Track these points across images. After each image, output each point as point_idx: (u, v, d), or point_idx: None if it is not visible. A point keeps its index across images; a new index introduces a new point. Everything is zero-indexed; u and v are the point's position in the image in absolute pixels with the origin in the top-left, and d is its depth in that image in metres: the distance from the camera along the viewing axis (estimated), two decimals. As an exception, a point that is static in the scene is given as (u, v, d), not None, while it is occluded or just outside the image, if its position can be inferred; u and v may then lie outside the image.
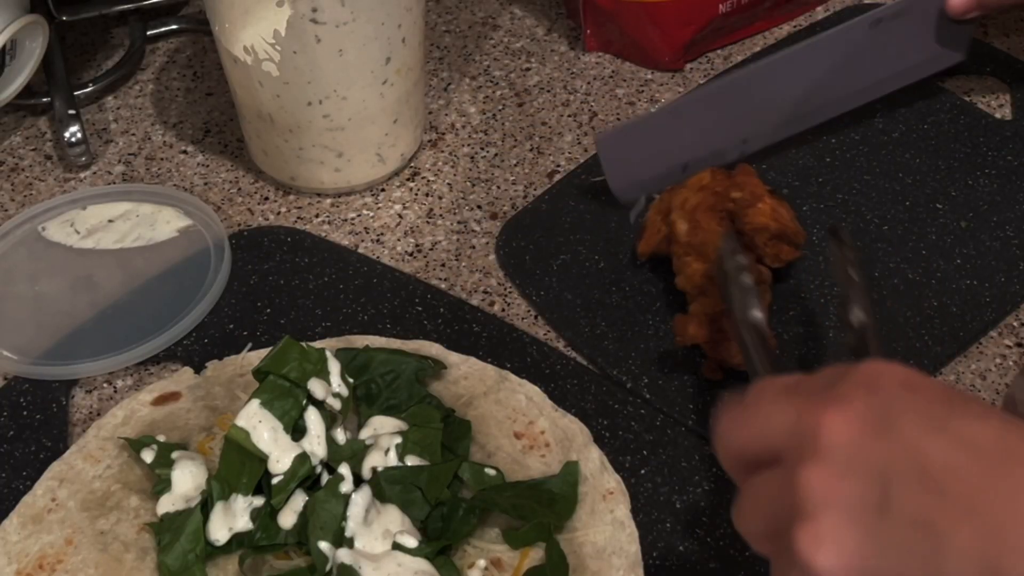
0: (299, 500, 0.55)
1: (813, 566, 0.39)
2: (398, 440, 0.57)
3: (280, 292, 0.69)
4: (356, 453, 0.57)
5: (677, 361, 0.64)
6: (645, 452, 0.60)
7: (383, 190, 0.76)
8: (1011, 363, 0.64)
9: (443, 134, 0.79)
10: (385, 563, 0.52)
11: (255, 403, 0.56)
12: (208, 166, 0.78)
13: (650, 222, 0.67)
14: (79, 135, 0.77)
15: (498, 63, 0.84)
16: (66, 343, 0.67)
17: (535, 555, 0.55)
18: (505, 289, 0.69)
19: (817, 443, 0.40)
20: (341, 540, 0.53)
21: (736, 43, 0.85)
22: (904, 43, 0.73)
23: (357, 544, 0.53)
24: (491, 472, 0.57)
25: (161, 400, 0.62)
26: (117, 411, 0.62)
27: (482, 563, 0.54)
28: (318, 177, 0.74)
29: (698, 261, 0.63)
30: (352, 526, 0.53)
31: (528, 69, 0.84)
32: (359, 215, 0.74)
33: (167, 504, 0.56)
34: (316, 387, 0.56)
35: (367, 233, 0.73)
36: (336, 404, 0.57)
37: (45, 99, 0.81)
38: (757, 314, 0.56)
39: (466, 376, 0.62)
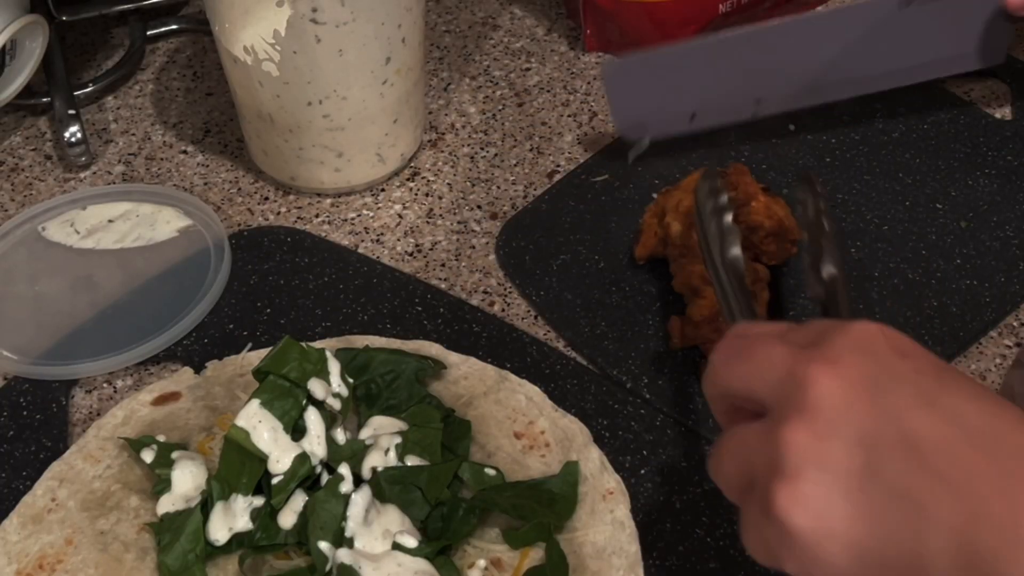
0: (299, 500, 0.55)
1: (788, 524, 0.39)
2: (398, 440, 0.57)
3: (280, 292, 0.69)
4: (356, 453, 0.57)
5: (677, 361, 0.64)
6: (645, 452, 0.60)
7: (383, 190, 0.76)
8: (1011, 363, 0.64)
9: (443, 134, 0.79)
10: (385, 563, 0.52)
11: (255, 403, 0.56)
12: (208, 166, 0.78)
13: (646, 225, 0.67)
14: (79, 135, 0.77)
15: (498, 63, 0.84)
16: (66, 343, 0.67)
17: (535, 555, 0.55)
18: (505, 289, 0.69)
19: (805, 400, 0.40)
20: (341, 540, 0.53)
21: (736, 43, 0.85)
22: (937, 33, 0.71)
23: (357, 544, 0.53)
24: (491, 472, 0.57)
25: (161, 400, 0.62)
26: (117, 411, 0.62)
27: (482, 563, 0.54)
28: (318, 177, 0.74)
29: (693, 263, 0.63)
30: (352, 526, 0.53)
31: (528, 69, 0.84)
32: (359, 215, 0.74)
33: (167, 504, 0.56)
34: (316, 387, 0.56)
35: (367, 233, 0.73)
36: (336, 404, 0.57)
37: (45, 99, 0.81)
38: (736, 252, 0.53)
39: (466, 376, 0.62)
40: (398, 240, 0.73)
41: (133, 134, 0.81)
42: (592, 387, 0.63)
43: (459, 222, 0.73)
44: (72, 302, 0.69)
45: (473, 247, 0.72)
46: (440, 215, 0.74)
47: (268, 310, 0.68)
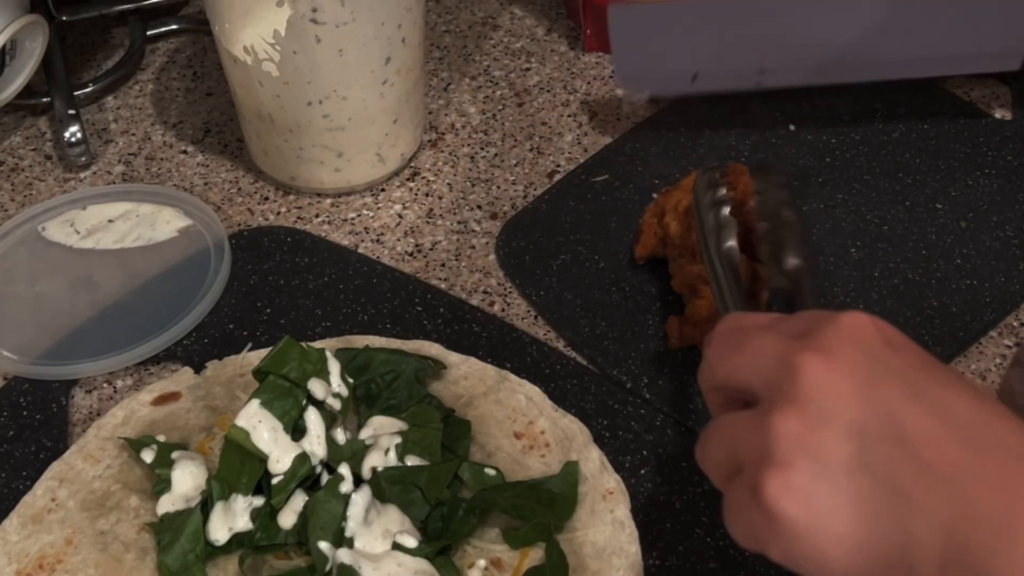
0: (299, 500, 0.55)
1: (778, 512, 0.39)
2: (398, 440, 0.57)
3: (280, 292, 0.69)
4: (356, 453, 0.57)
5: (677, 361, 0.64)
6: (645, 452, 0.60)
7: (383, 190, 0.76)
8: (1009, 362, 0.64)
9: (443, 134, 0.79)
10: (385, 563, 0.52)
11: (255, 403, 0.56)
12: (208, 166, 0.78)
13: (646, 225, 0.67)
14: (79, 135, 0.77)
15: (498, 63, 0.84)
16: (66, 343, 0.67)
17: (535, 555, 0.55)
18: (505, 289, 0.69)
19: (796, 389, 0.40)
20: (341, 540, 0.53)
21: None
22: (955, 28, 0.69)
23: (357, 544, 0.53)
24: (491, 472, 0.57)
25: (161, 400, 0.62)
26: (117, 411, 0.62)
27: (482, 563, 0.54)
28: (318, 177, 0.74)
29: (692, 263, 0.63)
30: (352, 526, 0.53)
31: (528, 69, 0.84)
32: (359, 215, 0.74)
33: (167, 504, 0.56)
34: (316, 387, 0.56)
35: (367, 233, 0.73)
36: (336, 404, 0.57)
37: (45, 99, 0.81)
38: (732, 243, 0.54)
39: (466, 376, 0.62)
40: (398, 240, 0.73)
41: (133, 134, 0.81)
42: (592, 387, 0.63)
43: (459, 222, 0.73)
44: (72, 302, 0.69)
45: (473, 247, 0.72)
46: (440, 215, 0.74)
47: (268, 310, 0.68)
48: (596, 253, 0.70)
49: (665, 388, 0.63)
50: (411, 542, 0.53)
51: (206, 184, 0.77)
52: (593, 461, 0.58)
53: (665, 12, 0.71)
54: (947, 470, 0.38)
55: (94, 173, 0.78)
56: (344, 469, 0.55)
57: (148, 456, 0.58)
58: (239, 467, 0.56)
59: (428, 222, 0.74)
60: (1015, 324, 0.66)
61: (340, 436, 0.57)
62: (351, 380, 0.59)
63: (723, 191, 0.57)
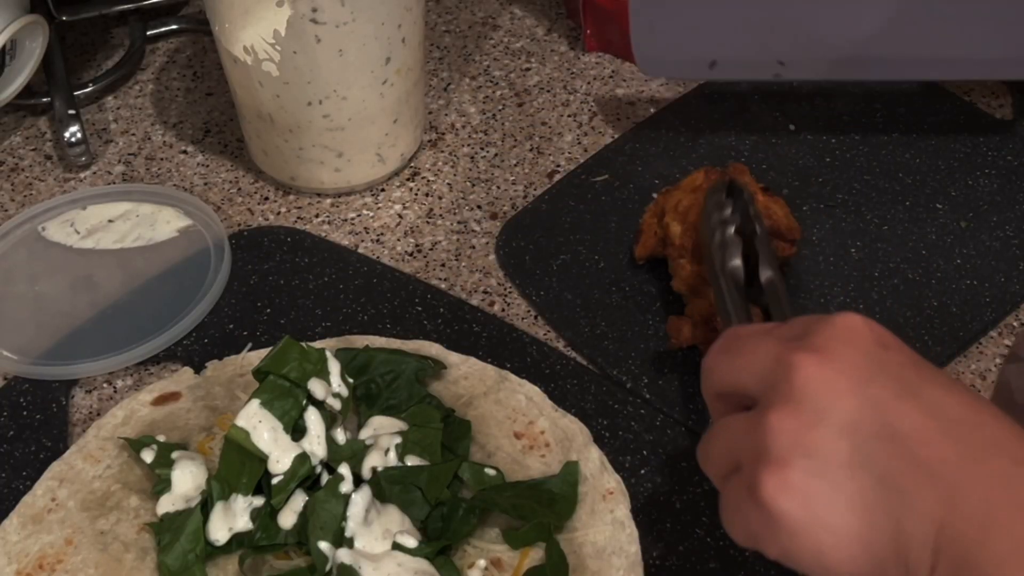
0: (299, 500, 0.55)
1: (775, 510, 0.40)
2: (398, 440, 0.57)
3: (280, 292, 0.69)
4: (356, 453, 0.57)
5: (677, 361, 0.64)
6: (645, 452, 0.60)
7: (383, 190, 0.76)
8: (1005, 358, 0.64)
9: (443, 134, 0.79)
10: (385, 563, 0.52)
11: (255, 403, 0.56)
12: (208, 166, 0.78)
13: (646, 225, 0.67)
14: (79, 135, 0.77)
15: (498, 63, 0.84)
16: (66, 343, 0.67)
17: (535, 555, 0.55)
18: (505, 289, 0.69)
19: (791, 388, 0.41)
20: (341, 540, 0.53)
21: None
22: (979, 32, 0.68)
23: (357, 544, 0.53)
24: (491, 472, 0.57)
25: (161, 400, 0.62)
26: (117, 411, 0.62)
27: (482, 563, 0.54)
28: (318, 177, 0.74)
29: (692, 263, 0.63)
30: (352, 526, 0.53)
31: (528, 69, 0.84)
32: (359, 215, 0.74)
33: (167, 504, 0.56)
34: (316, 387, 0.56)
35: (367, 233, 0.73)
36: (336, 404, 0.57)
37: (45, 99, 0.81)
38: (736, 262, 0.56)
39: (466, 376, 0.62)
40: (398, 240, 0.73)
41: (133, 134, 0.81)
42: (592, 387, 0.63)
43: (459, 222, 0.73)
44: (72, 302, 0.69)
45: (473, 247, 0.72)
46: (440, 215, 0.74)
47: (268, 310, 0.68)
48: (596, 253, 0.70)
49: (665, 388, 0.63)
50: (411, 542, 0.53)
51: (206, 184, 0.77)
52: (593, 461, 0.58)
53: None
54: (938, 466, 0.39)
55: (94, 173, 0.78)
56: (344, 469, 0.55)
57: (148, 456, 0.58)
58: (239, 467, 0.56)
59: (428, 222, 0.74)
60: (1015, 324, 0.66)
61: (340, 436, 0.57)
62: (351, 380, 0.59)
63: (728, 211, 0.59)
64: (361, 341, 0.64)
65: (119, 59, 0.85)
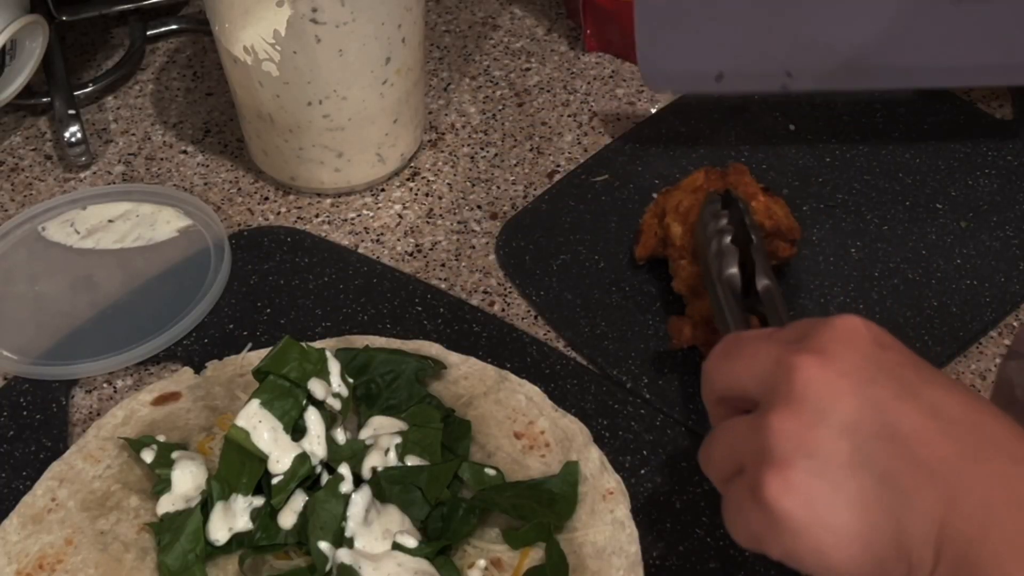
0: (299, 500, 0.55)
1: (778, 511, 0.40)
2: (398, 440, 0.57)
3: (280, 292, 0.69)
4: (356, 453, 0.57)
5: (677, 361, 0.64)
6: (645, 452, 0.60)
7: (383, 190, 0.76)
8: (1005, 354, 0.64)
9: (443, 134, 0.79)
10: (385, 563, 0.52)
11: (255, 403, 0.56)
12: (208, 166, 0.78)
13: (646, 225, 0.67)
14: (79, 135, 0.77)
15: (498, 63, 0.84)
16: (66, 343, 0.67)
17: (535, 555, 0.55)
18: (505, 289, 0.69)
19: (792, 390, 0.41)
20: (341, 540, 0.53)
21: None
22: (987, 38, 0.68)
23: (357, 544, 0.53)
24: (491, 472, 0.57)
25: (161, 400, 0.62)
26: (117, 411, 0.62)
27: (482, 563, 0.54)
28: (318, 177, 0.74)
29: (692, 264, 0.63)
30: (352, 526, 0.53)
31: (528, 69, 0.84)
32: (359, 215, 0.74)
33: (167, 504, 0.56)
34: (316, 387, 0.56)
35: (367, 233, 0.73)
36: (336, 404, 0.57)
37: (45, 99, 0.81)
38: (733, 270, 0.57)
39: (466, 376, 0.62)
40: (398, 240, 0.73)
41: (133, 134, 0.81)
42: (592, 387, 0.63)
43: (459, 222, 0.73)
44: (72, 302, 0.69)
45: (473, 247, 0.72)
46: (440, 215, 0.74)
47: (268, 310, 0.68)
48: (596, 253, 0.70)
49: (665, 388, 0.63)
50: (411, 542, 0.53)
51: (206, 184, 0.77)
52: (593, 461, 0.58)
53: (692, 5, 0.70)
54: (938, 466, 0.39)
55: (94, 173, 0.78)
56: (344, 469, 0.55)
57: (148, 456, 0.58)
58: (239, 467, 0.56)
59: (428, 222, 0.74)
60: (1015, 324, 0.66)
61: (340, 436, 0.57)
62: (351, 380, 0.59)
63: (725, 221, 0.60)
64: (361, 341, 0.64)
65: (119, 59, 0.85)
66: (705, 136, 0.76)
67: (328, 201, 0.75)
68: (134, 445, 0.59)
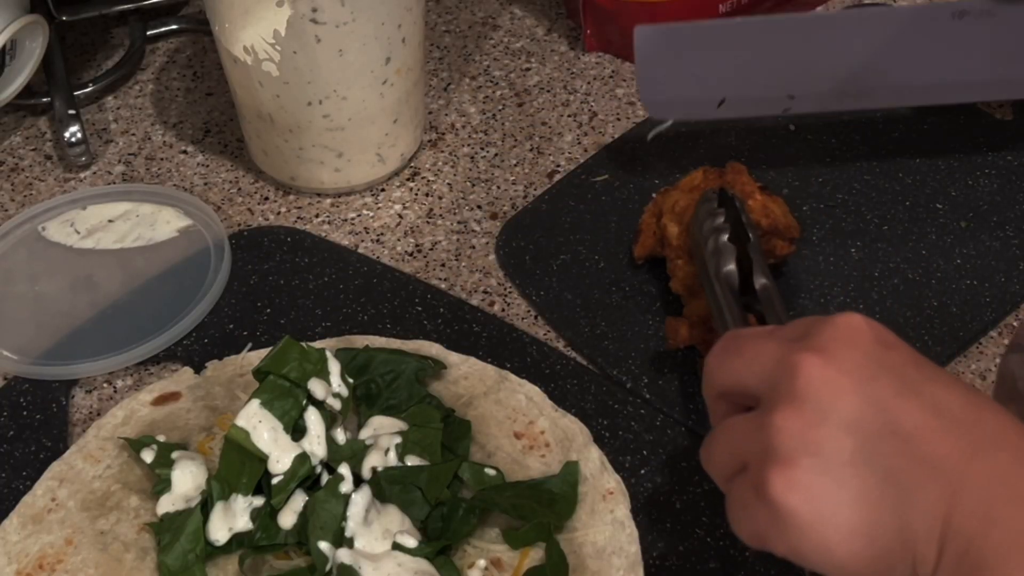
0: (299, 500, 0.55)
1: (783, 509, 0.41)
2: (398, 440, 0.57)
3: (280, 292, 0.69)
4: (356, 453, 0.57)
5: (677, 361, 0.64)
6: (645, 452, 0.60)
7: (383, 190, 0.76)
8: (1006, 348, 0.64)
9: (443, 134, 0.79)
10: (385, 563, 0.52)
11: (255, 403, 0.56)
12: (208, 166, 0.78)
13: (645, 225, 0.67)
14: (79, 135, 0.77)
15: (498, 63, 0.84)
16: (66, 343, 0.67)
17: (535, 555, 0.55)
18: (505, 289, 0.69)
19: (794, 388, 0.41)
20: (341, 540, 0.53)
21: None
22: (990, 53, 0.68)
23: (357, 544, 0.53)
24: (491, 472, 0.57)
25: (161, 400, 0.62)
26: (117, 411, 0.62)
27: (482, 563, 0.54)
28: (318, 177, 0.74)
29: (689, 264, 0.63)
30: (352, 526, 0.53)
31: (528, 69, 0.84)
32: (359, 215, 0.74)
33: (167, 504, 0.56)
34: (316, 387, 0.56)
35: (367, 233, 0.73)
36: (336, 404, 0.57)
37: (45, 99, 0.81)
38: (731, 267, 0.57)
39: (466, 376, 0.62)
40: (398, 240, 0.73)
41: (133, 134, 0.81)
42: (592, 387, 0.63)
43: (459, 222, 0.73)
44: (72, 302, 0.69)
45: (473, 247, 0.72)
46: (440, 215, 0.74)
47: (268, 310, 0.68)
48: (596, 253, 0.70)
49: (665, 388, 0.63)
50: (411, 542, 0.53)
51: (206, 184, 0.77)
52: (593, 461, 0.58)
53: (691, 33, 0.70)
54: (940, 462, 0.39)
55: (94, 173, 0.78)
56: (344, 469, 0.55)
57: (148, 456, 0.58)
58: (239, 467, 0.56)
59: (428, 222, 0.74)
60: (1015, 324, 0.66)
61: (340, 436, 0.57)
62: (351, 380, 0.59)
63: (721, 219, 0.60)
64: (361, 341, 0.64)
65: (119, 59, 0.85)
66: (705, 136, 0.76)
67: (328, 201, 0.75)
68: (134, 445, 0.59)
